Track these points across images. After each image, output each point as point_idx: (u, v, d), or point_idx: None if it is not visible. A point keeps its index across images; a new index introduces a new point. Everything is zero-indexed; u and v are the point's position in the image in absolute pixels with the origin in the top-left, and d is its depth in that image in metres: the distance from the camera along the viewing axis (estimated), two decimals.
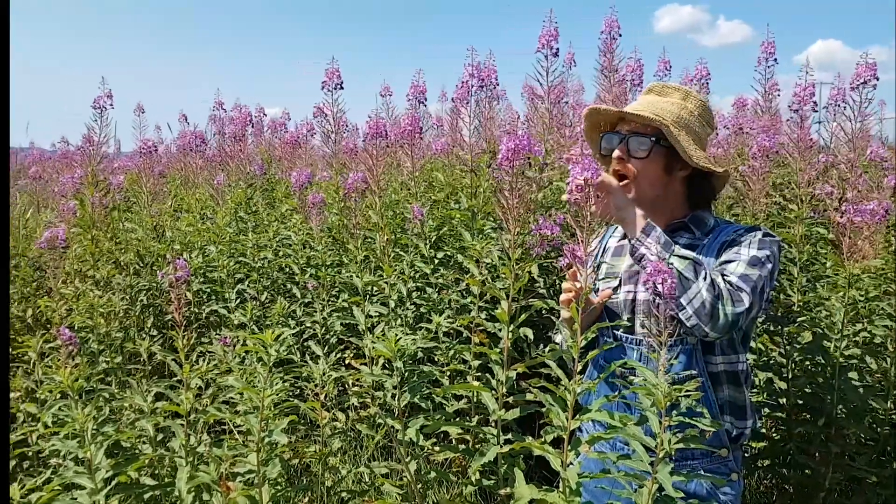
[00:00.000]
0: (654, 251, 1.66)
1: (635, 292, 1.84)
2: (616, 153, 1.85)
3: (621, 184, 1.80)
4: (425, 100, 3.46)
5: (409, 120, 3.44)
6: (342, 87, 3.51)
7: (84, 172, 3.94)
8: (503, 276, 2.04)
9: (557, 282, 3.12)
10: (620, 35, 3.69)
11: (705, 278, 1.64)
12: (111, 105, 3.86)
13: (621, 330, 1.86)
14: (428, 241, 3.21)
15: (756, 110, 4.29)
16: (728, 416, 1.79)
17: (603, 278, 1.94)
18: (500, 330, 2.11)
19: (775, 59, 3.64)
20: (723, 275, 1.69)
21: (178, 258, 2.29)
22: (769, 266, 1.72)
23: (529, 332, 2.33)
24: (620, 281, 1.88)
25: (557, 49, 3.08)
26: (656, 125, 1.81)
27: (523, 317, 2.06)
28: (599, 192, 1.64)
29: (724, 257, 1.76)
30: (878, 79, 2.75)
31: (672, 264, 1.62)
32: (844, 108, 2.94)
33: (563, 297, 1.75)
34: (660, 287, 1.50)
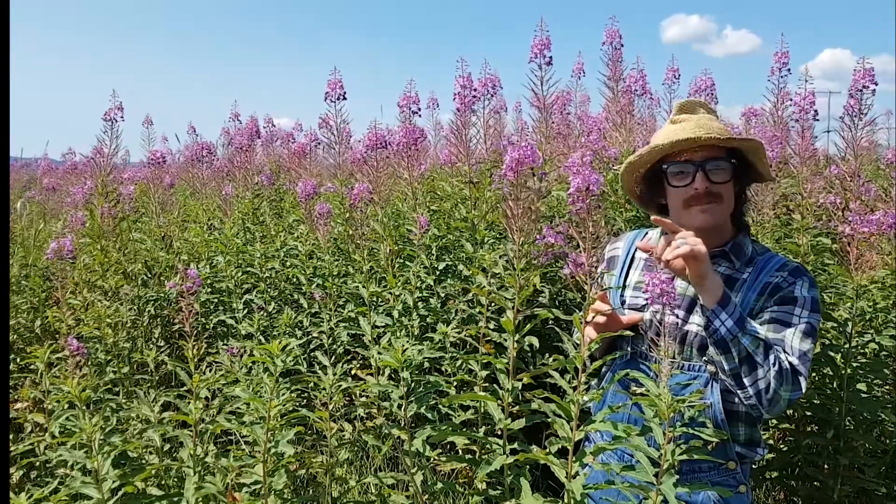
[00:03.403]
0: (728, 327, 1.63)
1: (663, 314, 1.81)
2: (700, 184, 1.77)
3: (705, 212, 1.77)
4: (419, 110, 3.44)
5: (403, 132, 3.44)
6: (345, 98, 3.52)
7: (94, 183, 3.96)
8: (508, 285, 2.04)
9: (561, 291, 3.12)
10: (622, 45, 3.70)
11: (774, 363, 1.62)
12: (121, 118, 3.88)
13: (644, 347, 1.85)
14: (431, 252, 3.21)
15: (766, 120, 4.28)
16: (740, 446, 1.79)
17: (632, 288, 1.93)
18: (505, 340, 2.11)
19: (788, 70, 3.64)
20: (783, 350, 1.67)
21: (188, 268, 2.30)
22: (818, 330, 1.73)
23: (535, 342, 2.33)
24: (648, 300, 1.86)
25: (551, 58, 3.08)
26: (734, 145, 1.78)
27: (528, 326, 2.05)
28: (691, 258, 1.62)
29: (775, 314, 1.72)
30: (876, 84, 2.73)
31: (743, 344, 1.62)
32: (854, 116, 2.90)
33: (593, 322, 1.74)
34: (662, 298, 1.51)
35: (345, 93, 3.53)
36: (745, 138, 1.79)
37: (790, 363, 1.65)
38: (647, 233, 2.04)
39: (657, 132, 1.98)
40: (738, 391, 1.66)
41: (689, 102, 1.91)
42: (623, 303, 1.91)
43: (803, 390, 1.66)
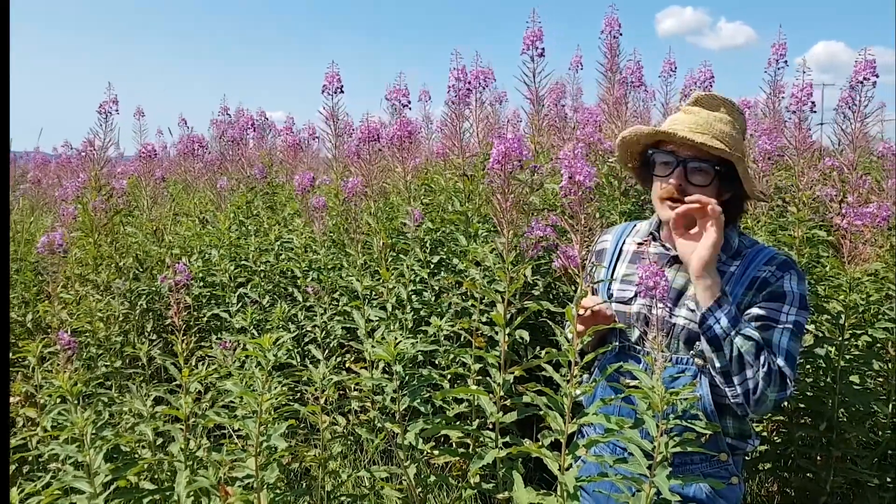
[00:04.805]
0: (722, 325, 1.62)
1: (655, 306, 1.80)
2: (675, 180, 1.74)
3: (676, 212, 1.73)
4: (409, 103, 3.39)
5: (396, 124, 3.40)
6: (342, 91, 3.50)
7: (87, 177, 3.94)
8: (498, 278, 2.03)
9: (554, 283, 3.11)
10: (621, 34, 3.68)
11: (764, 364, 1.61)
12: (116, 111, 3.86)
13: (633, 340, 1.84)
14: (425, 245, 3.20)
15: (762, 112, 4.27)
16: (731, 438, 1.79)
17: (620, 281, 1.91)
18: (496, 333, 2.10)
19: (786, 62, 3.62)
20: (770, 350, 1.66)
21: (178, 262, 2.29)
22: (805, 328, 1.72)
23: (525, 335, 2.32)
24: (637, 293, 1.83)
25: (543, 49, 3.06)
26: (723, 156, 1.72)
27: (519, 319, 2.05)
28: (714, 219, 1.63)
29: (762, 310, 1.71)
30: (877, 76, 2.70)
31: (736, 343, 1.61)
32: (852, 108, 2.88)
33: (580, 319, 1.73)
34: (653, 291, 1.50)
35: (342, 86, 3.51)
36: (722, 150, 1.71)
37: (778, 365, 1.65)
38: (635, 225, 2.02)
39: (670, 116, 1.93)
40: (726, 388, 1.65)
41: (711, 97, 1.83)
42: (610, 296, 1.90)
43: (789, 392, 1.66)
